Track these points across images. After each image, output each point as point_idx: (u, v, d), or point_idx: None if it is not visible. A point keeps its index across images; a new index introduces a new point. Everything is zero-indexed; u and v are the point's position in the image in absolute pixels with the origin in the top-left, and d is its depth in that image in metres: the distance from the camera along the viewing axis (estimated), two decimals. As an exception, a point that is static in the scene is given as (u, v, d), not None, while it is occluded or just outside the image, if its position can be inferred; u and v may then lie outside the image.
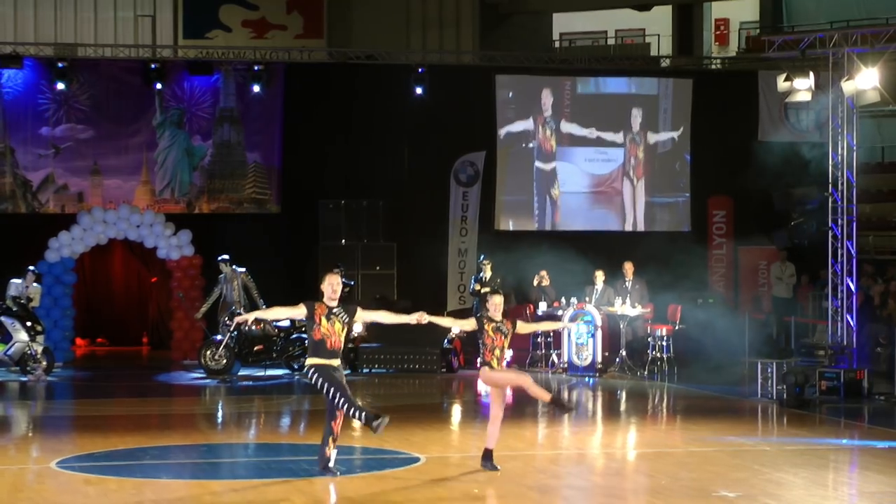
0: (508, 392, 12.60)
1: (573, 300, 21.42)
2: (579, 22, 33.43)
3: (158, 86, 24.58)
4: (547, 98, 25.99)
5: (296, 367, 20.93)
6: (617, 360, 21.37)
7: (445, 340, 21.63)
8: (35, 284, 21.99)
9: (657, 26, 32.59)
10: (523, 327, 12.85)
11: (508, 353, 12.67)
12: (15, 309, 20.78)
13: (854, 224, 20.05)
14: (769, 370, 18.21)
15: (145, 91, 24.75)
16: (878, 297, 22.67)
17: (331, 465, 11.93)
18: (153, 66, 24.43)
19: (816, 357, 20.20)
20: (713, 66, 28.74)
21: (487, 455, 12.45)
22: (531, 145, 26.01)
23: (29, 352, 20.39)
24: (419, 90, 25.07)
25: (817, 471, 12.84)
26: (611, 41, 34.08)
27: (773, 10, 32.02)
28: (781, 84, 20.37)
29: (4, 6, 27.15)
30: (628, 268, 21.79)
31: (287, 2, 28.08)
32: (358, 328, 21.19)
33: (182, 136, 25.09)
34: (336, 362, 11.75)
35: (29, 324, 20.64)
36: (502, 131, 25.91)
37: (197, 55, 25.89)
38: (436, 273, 25.37)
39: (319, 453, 11.97)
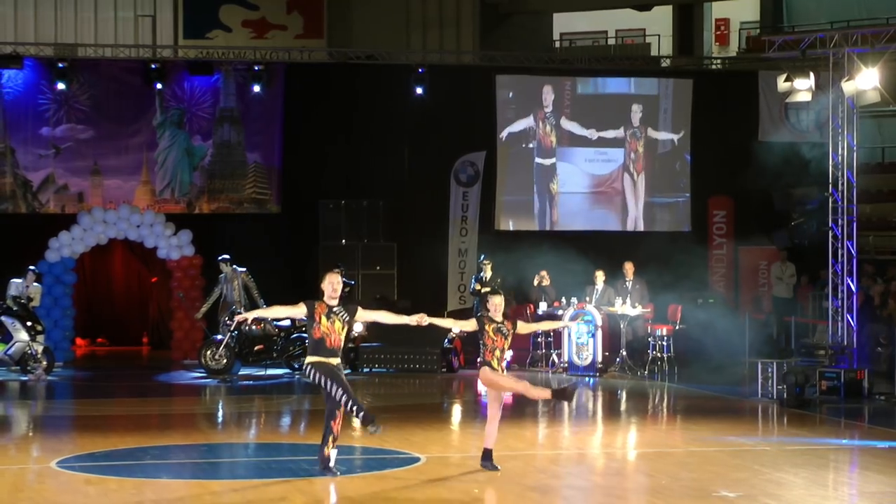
0: (509, 392, 12.59)
1: (573, 300, 21.42)
2: (580, 22, 33.42)
3: (159, 86, 24.59)
4: (548, 94, 26.00)
5: (296, 366, 20.94)
6: (617, 360, 21.37)
7: (446, 340, 21.63)
8: (35, 284, 21.99)
9: (657, 26, 32.57)
10: (524, 328, 12.85)
11: (508, 354, 12.67)
12: (15, 309, 20.79)
13: (854, 224, 20.05)
14: (769, 370, 18.20)
15: (145, 91, 24.76)
16: (878, 297, 22.66)
17: (331, 464, 11.93)
18: (153, 66, 24.43)
19: (817, 357, 20.19)
20: (713, 67, 28.74)
21: (487, 455, 12.45)
22: (531, 145, 26.01)
23: (29, 351, 20.39)
24: (419, 90, 25.07)
25: (817, 471, 12.84)
26: (611, 41, 34.07)
27: (773, 10, 32.01)
28: (782, 84, 20.37)
29: (4, 6, 27.14)
30: (629, 268, 21.80)
31: (287, 2, 28.07)
32: (358, 328, 21.20)
33: (182, 137, 25.09)
34: (335, 361, 11.75)
35: (29, 323, 20.65)
36: (503, 133, 25.92)
37: (197, 55, 25.89)
38: (436, 273, 25.38)
39: (319, 453, 11.97)
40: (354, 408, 11.64)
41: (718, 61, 29.44)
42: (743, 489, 11.70)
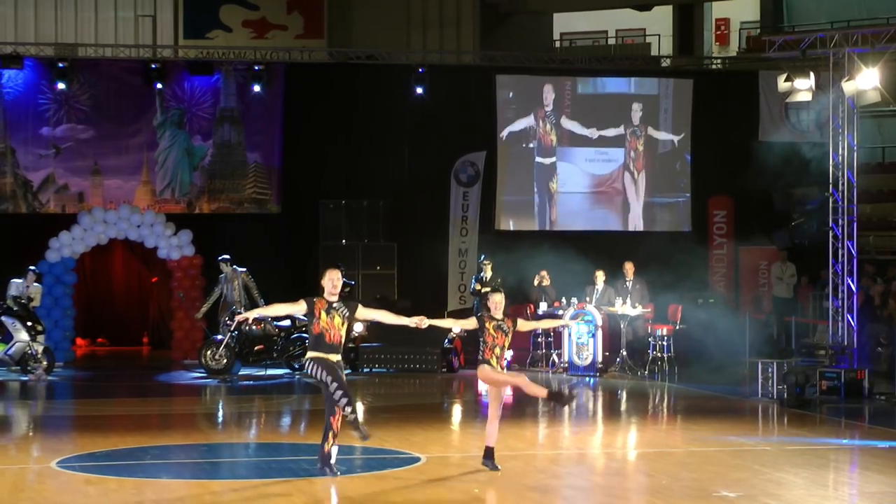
0: (508, 392, 12.58)
1: (574, 300, 21.42)
2: (580, 22, 33.42)
3: (159, 86, 24.60)
4: (548, 93, 26.00)
5: (296, 366, 20.94)
6: (617, 360, 21.37)
7: (446, 340, 21.64)
8: (36, 284, 21.99)
9: (658, 26, 32.57)
10: (524, 325, 12.86)
11: (509, 354, 12.67)
12: (16, 309, 20.79)
13: (854, 224, 20.04)
14: (770, 370, 18.21)
15: (146, 91, 24.76)
16: (878, 297, 22.66)
17: (332, 461, 11.93)
18: (154, 66, 24.44)
19: (817, 357, 20.18)
20: (714, 66, 28.74)
21: (489, 453, 12.46)
22: (531, 145, 26.02)
23: (29, 351, 20.39)
24: (420, 90, 25.07)
25: (818, 471, 12.84)
26: (611, 41, 34.06)
27: (773, 9, 32.01)
28: (782, 84, 20.36)
29: (5, 6, 27.15)
30: (629, 268, 21.80)
31: (287, 2, 28.07)
32: (359, 328, 21.21)
33: (182, 136, 25.10)
34: (335, 357, 11.75)
35: (30, 324, 20.66)
36: (504, 132, 25.93)
37: (197, 55, 25.89)
38: (436, 273, 25.38)
39: (319, 450, 11.96)
40: (348, 408, 11.65)
41: (719, 61, 29.44)
42: (743, 489, 11.70)
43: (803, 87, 20.05)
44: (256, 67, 24.65)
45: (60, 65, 24.05)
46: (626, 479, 12.77)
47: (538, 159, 26.03)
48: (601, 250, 23.58)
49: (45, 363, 20.43)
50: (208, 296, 22.20)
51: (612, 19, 33.52)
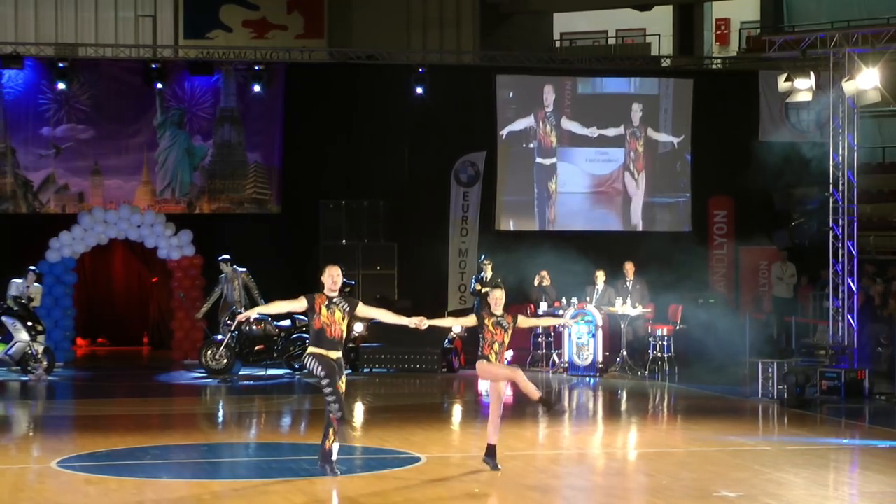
0: (509, 391, 12.59)
1: (574, 300, 21.42)
2: (580, 22, 33.42)
3: (159, 86, 24.59)
4: (549, 94, 26.00)
5: (297, 366, 20.95)
6: (618, 360, 21.37)
7: (446, 340, 21.64)
8: (36, 284, 21.99)
9: (658, 26, 32.58)
10: (524, 321, 12.88)
11: (509, 354, 12.67)
12: (16, 309, 20.79)
13: (855, 224, 20.04)
14: (770, 370, 18.21)
15: (146, 91, 24.76)
16: (878, 297, 22.66)
17: (333, 458, 11.93)
18: (154, 66, 24.43)
19: (817, 357, 20.18)
20: (714, 66, 28.74)
21: (490, 451, 12.46)
22: (532, 145, 26.02)
23: (30, 352, 20.39)
24: (420, 90, 25.07)
25: (818, 471, 12.84)
26: (611, 41, 34.06)
27: (773, 9, 32.01)
28: (782, 84, 20.36)
29: (5, 6, 27.15)
30: (629, 268, 21.79)
31: (288, 2, 28.08)
32: (359, 328, 21.22)
33: (183, 137, 25.09)
34: (335, 355, 11.76)
35: (30, 324, 20.65)
36: (504, 131, 25.93)
37: (197, 55, 25.89)
38: (436, 273, 25.38)
39: (320, 448, 11.96)
40: (339, 413, 11.66)
41: (719, 61, 29.44)
42: (743, 489, 11.70)
43: (803, 87, 20.05)
44: (257, 67, 24.65)
45: (61, 65, 24.04)
46: (626, 479, 12.77)
47: (538, 160, 26.04)
48: (601, 250, 23.58)
49: (45, 363, 20.43)
50: (208, 296, 22.20)
51: (613, 19, 33.53)
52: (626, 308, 21.21)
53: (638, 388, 20.07)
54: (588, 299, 21.48)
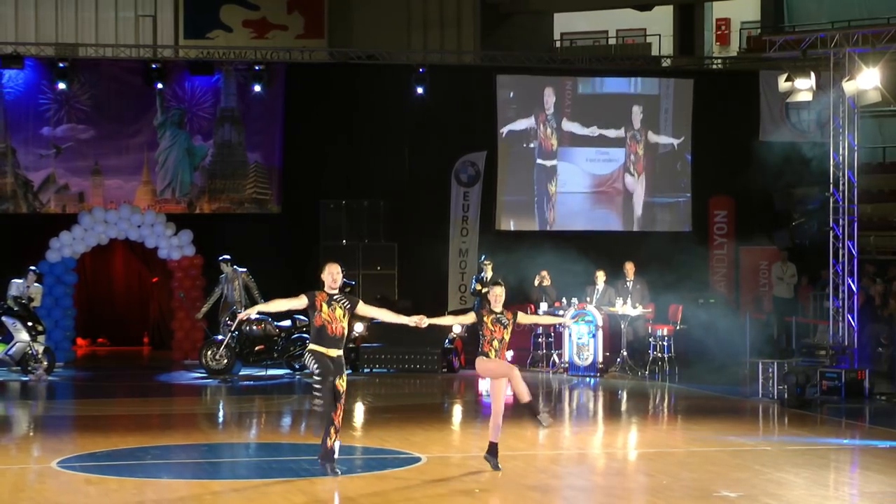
0: (509, 391, 12.59)
1: (574, 300, 21.42)
2: (580, 22, 33.42)
3: (159, 86, 24.59)
4: (549, 97, 25.99)
5: (297, 366, 20.95)
6: (618, 360, 21.37)
7: (446, 340, 21.64)
8: (36, 284, 21.99)
9: (658, 26, 32.58)
10: (524, 318, 12.90)
11: (509, 354, 12.66)
12: (16, 309, 20.79)
13: (855, 224, 20.04)
14: (770, 370, 18.21)
15: (146, 91, 24.76)
16: (878, 297, 22.66)
17: (335, 456, 11.92)
18: (154, 66, 24.43)
19: (817, 357, 20.18)
20: (714, 66, 28.74)
21: (492, 449, 12.46)
22: (532, 145, 26.02)
23: (30, 352, 20.39)
24: (420, 90, 25.07)
25: (818, 471, 12.84)
26: (612, 41, 34.06)
27: (774, 9, 32.01)
28: (782, 84, 20.35)
29: (5, 6, 27.15)
30: (629, 268, 21.79)
31: (288, 2, 28.08)
32: (359, 328, 21.22)
33: (183, 137, 25.09)
34: (335, 353, 11.77)
35: (30, 324, 20.65)
36: (504, 129, 25.92)
37: (198, 55, 25.89)
38: (437, 273, 25.38)
39: (321, 446, 11.95)
40: (320, 408, 11.69)
41: (719, 61, 29.43)
42: (744, 489, 11.70)
43: (804, 87, 20.04)
44: (257, 67, 24.65)
45: (61, 65, 24.04)
46: (626, 479, 12.77)
47: (539, 161, 26.03)
48: (601, 250, 23.58)
49: (45, 363, 20.43)
50: (209, 296, 22.20)
51: (613, 19, 33.53)
52: (627, 308, 21.21)
53: (638, 388, 20.07)
54: (588, 299, 21.48)
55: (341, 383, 11.82)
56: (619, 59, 29.27)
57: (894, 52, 19.41)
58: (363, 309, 12.10)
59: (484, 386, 18.72)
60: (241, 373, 21.23)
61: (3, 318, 20.57)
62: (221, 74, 24.97)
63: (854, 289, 19.86)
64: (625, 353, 21.32)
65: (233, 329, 20.85)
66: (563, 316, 20.70)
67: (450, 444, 14.86)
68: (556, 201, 26.08)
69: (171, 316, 24.28)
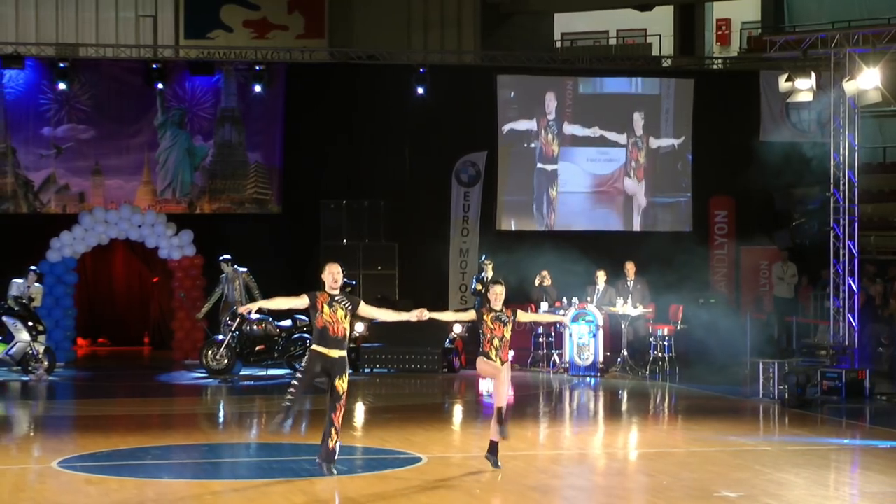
0: (510, 392, 12.60)
1: (575, 300, 21.42)
2: (580, 22, 33.42)
3: (160, 86, 24.60)
4: (551, 101, 25.99)
5: (297, 366, 20.91)
6: (618, 360, 21.37)
7: (447, 340, 21.65)
8: (37, 284, 21.99)
9: (658, 26, 32.58)
10: (524, 316, 12.94)
11: (510, 354, 12.65)
12: (17, 309, 20.79)
13: (856, 224, 20.04)
14: (771, 370, 18.21)
15: (147, 91, 24.76)
16: (878, 297, 22.66)
17: (335, 458, 11.92)
18: (154, 66, 24.44)
19: (818, 357, 20.18)
20: (715, 66, 28.73)
21: (493, 448, 12.46)
22: (533, 145, 26.02)
23: (30, 352, 20.39)
24: (420, 90, 25.07)
25: (819, 471, 12.84)
26: (612, 41, 34.06)
27: (774, 10, 32.00)
28: (783, 84, 20.36)
29: (6, 6, 27.15)
30: (630, 268, 21.80)
31: (288, 2, 28.08)
32: (360, 328, 21.21)
33: (183, 137, 25.10)
34: (336, 353, 11.77)
35: (31, 324, 20.66)
36: (505, 127, 25.92)
37: (198, 55, 25.89)
38: (437, 273, 25.37)
39: (322, 447, 11.95)
40: (286, 405, 11.78)
41: (720, 61, 29.43)
42: (744, 489, 11.70)
43: (804, 87, 20.04)
44: (257, 67, 24.66)
45: (61, 65, 24.05)
46: (626, 480, 12.77)
47: (539, 165, 26.02)
48: (602, 250, 23.58)
49: (45, 363, 20.43)
50: (209, 296, 22.21)
51: (613, 19, 33.53)
52: (627, 308, 21.21)
53: (639, 388, 20.07)
54: (589, 299, 21.49)
55: (341, 384, 11.82)
56: (620, 60, 29.27)
57: (895, 52, 19.41)
58: (364, 309, 12.10)
59: (484, 386, 18.73)
60: (241, 373, 21.23)
61: (4, 318, 20.58)
62: (222, 74, 24.97)
63: (854, 289, 19.86)
64: (625, 353, 21.33)
65: (233, 329, 20.86)
66: (564, 315, 20.71)
67: (450, 444, 14.86)
68: (556, 203, 26.06)
69: (171, 316, 24.29)
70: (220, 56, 25.93)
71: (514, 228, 26.00)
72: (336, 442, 11.91)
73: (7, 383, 20.07)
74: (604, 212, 26.27)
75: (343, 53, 25.92)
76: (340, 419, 11.90)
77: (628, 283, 21.73)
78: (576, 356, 21.31)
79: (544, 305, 21.72)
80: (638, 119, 26.12)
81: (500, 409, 12.36)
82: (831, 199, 20.14)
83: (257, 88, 24.78)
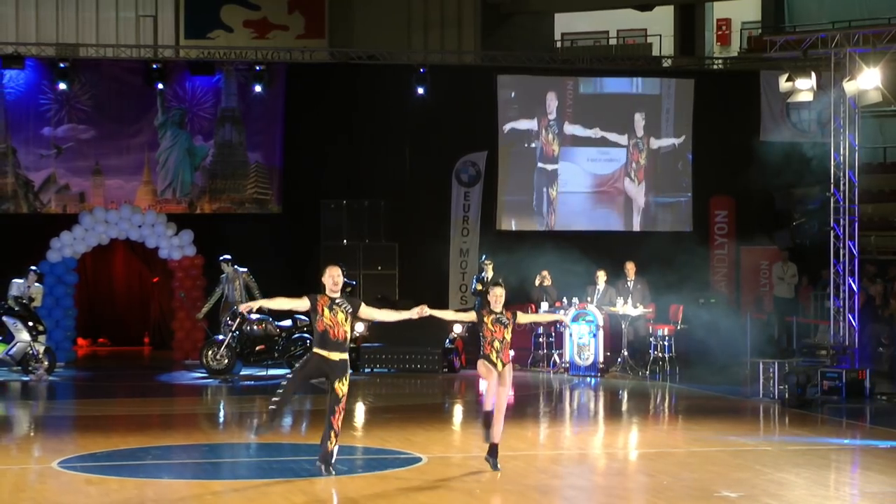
0: (511, 392, 12.61)
1: (575, 300, 21.42)
2: (581, 22, 33.43)
3: (160, 86, 24.60)
4: (552, 101, 25.99)
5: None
6: (619, 360, 21.37)
7: (447, 340, 21.65)
8: (37, 284, 21.99)
9: (659, 26, 32.58)
10: (523, 317, 12.92)
11: (510, 355, 12.64)
12: (17, 309, 20.80)
13: (856, 224, 20.04)
14: (771, 370, 18.21)
15: (147, 91, 24.76)
16: (879, 297, 22.66)
17: (333, 460, 11.93)
18: (155, 66, 24.44)
19: (818, 357, 20.18)
20: (715, 67, 28.73)
21: (492, 450, 12.45)
22: (533, 145, 26.02)
23: (31, 352, 20.39)
24: (421, 90, 25.07)
25: (819, 471, 12.84)
26: (612, 41, 34.06)
27: (774, 10, 32.00)
28: (783, 84, 20.36)
29: (6, 6, 27.15)
30: (630, 268, 21.80)
31: (289, 2, 28.09)
32: (360, 328, 21.21)
33: (184, 137, 25.10)
34: (336, 356, 11.76)
35: (31, 324, 20.66)
36: (506, 127, 25.92)
37: (198, 55, 25.90)
38: (437, 273, 25.37)
39: (322, 448, 11.95)
40: (272, 407, 11.82)
41: (720, 61, 29.43)
42: (744, 489, 11.70)
43: (805, 87, 20.04)
44: (258, 67, 24.66)
45: (62, 65, 24.05)
46: (627, 480, 12.77)
47: (540, 165, 26.02)
48: (602, 250, 23.57)
49: (46, 363, 20.43)
50: (209, 296, 22.21)
51: (614, 19, 33.53)
52: (628, 308, 21.21)
53: (639, 388, 20.07)
54: (589, 299, 21.49)
55: (341, 387, 11.81)
56: (620, 60, 29.27)
57: (895, 52, 19.40)
58: (365, 311, 12.10)
59: (484, 386, 18.68)
60: (241, 373, 21.23)
61: (4, 318, 20.58)
62: (222, 74, 24.98)
63: (855, 289, 19.86)
64: (625, 353, 21.33)
65: (234, 329, 20.86)
66: (564, 315, 20.70)
67: (450, 444, 14.86)
68: (556, 203, 26.07)
69: (171, 316, 24.29)
70: (221, 56, 25.93)
71: (514, 228, 26.00)
72: (335, 444, 11.90)
73: (7, 383, 20.07)
74: (604, 212, 26.27)
75: (343, 53, 25.93)
76: (340, 422, 11.89)
77: (628, 283, 21.73)
78: (576, 356, 21.31)
79: (544, 305, 21.72)
80: (639, 120, 26.13)
81: (487, 413, 12.37)
82: (831, 199, 20.14)
83: (257, 88, 24.78)
